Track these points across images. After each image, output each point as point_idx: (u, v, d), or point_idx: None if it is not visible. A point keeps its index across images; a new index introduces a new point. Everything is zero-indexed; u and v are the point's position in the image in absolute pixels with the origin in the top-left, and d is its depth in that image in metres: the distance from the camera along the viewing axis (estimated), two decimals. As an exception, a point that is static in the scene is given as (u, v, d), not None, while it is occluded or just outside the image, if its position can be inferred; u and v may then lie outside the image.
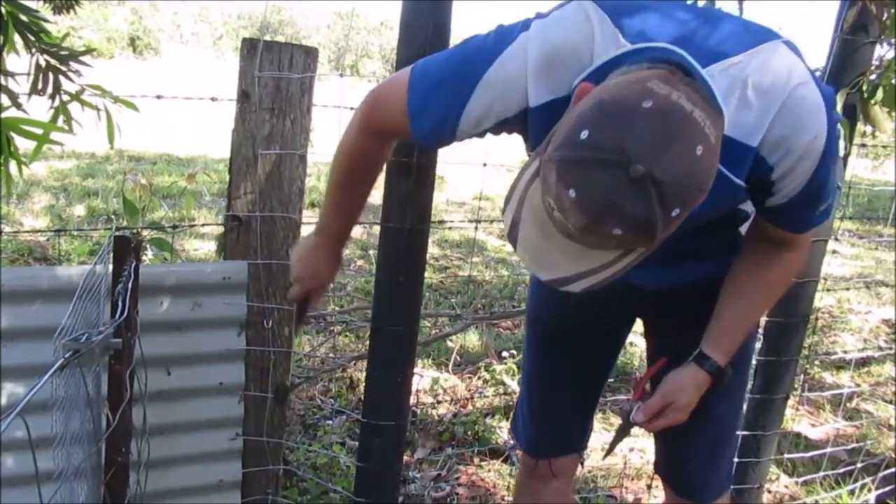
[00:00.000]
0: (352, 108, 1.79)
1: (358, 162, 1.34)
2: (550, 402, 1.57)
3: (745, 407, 1.61)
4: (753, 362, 2.02)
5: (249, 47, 1.53)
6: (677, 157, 0.83)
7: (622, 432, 1.37)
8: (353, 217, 1.44)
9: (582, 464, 1.70)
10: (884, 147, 2.66)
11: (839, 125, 1.13)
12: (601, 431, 2.73)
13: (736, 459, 2.09)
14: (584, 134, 0.84)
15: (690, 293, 1.34)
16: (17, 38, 1.22)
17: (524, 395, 1.63)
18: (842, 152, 1.81)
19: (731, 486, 2.09)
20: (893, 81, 1.73)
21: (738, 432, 1.64)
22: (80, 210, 5.51)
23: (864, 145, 2.52)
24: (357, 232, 5.61)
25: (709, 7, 1.18)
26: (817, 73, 1.88)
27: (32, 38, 1.21)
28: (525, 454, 1.65)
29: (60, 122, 1.28)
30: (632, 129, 0.83)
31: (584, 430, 1.63)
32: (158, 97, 1.68)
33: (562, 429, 1.59)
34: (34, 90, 1.24)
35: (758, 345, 2.04)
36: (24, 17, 1.19)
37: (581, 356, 1.51)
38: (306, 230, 1.59)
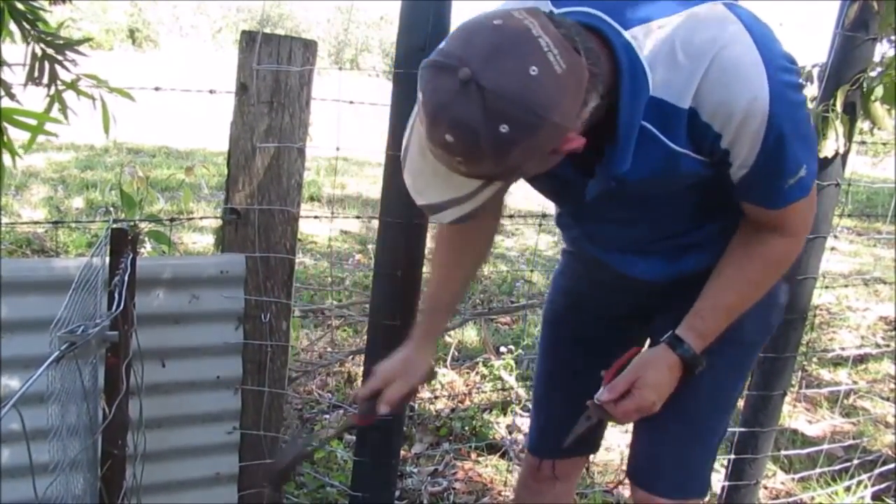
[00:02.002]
0: (351, 102, 1.79)
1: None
2: (557, 401, 1.53)
3: (733, 414, 1.46)
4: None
5: (248, 40, 1.52)
6: (506, 70, 0.88)
7: (587, 419, 1.31)
8: (445, 298, 1.41)
9: (588, 470, 1.63)
10: (883, 144, 2.66)
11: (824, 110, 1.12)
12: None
13: (732, 456, 2.09)
14: (443, 44, 0.93)
15: (696, 285, 1.28)
16: (13, 26, 1.22)
17: (533, 396, 1.62)
18: (841, 149, 1.80)
19: (727, 484, 2.10)
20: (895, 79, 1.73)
21: (731, 431, 1.54)
22: (78, 202, 5.50)
23: (863, 142, 2.52)
24: (356, 226, 5.61)
25: None
26: (816, 69, 1.89)
27: (29, 27, 1.20)
28: (529, 453, 1.62)
29: (55, 111, 1.27)
30: (474, 40, 0.90)
31: (591, 435, 1.53)
32: (157, 89, 1.67)
33: (566, 430, 1.51)
34: (30, 79, 1.23)
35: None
36: (20, 6, 1.18)
37: (591, 359, 1.45)
38: (304, 224, 1.59)
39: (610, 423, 1.49)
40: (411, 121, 1.04)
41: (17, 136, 1.27)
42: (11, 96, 1.21)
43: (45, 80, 1.26)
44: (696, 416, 1.35)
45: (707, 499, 1.50)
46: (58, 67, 1.26)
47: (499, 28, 0.90)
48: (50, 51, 1.25)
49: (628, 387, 1.24)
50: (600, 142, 1.05)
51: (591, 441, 1.58)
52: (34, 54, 1.24)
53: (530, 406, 1.63)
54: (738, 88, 1.00)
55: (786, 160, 1.06)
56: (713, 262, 1.26)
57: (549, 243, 5.80)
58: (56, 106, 1.29)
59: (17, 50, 1.27)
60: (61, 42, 1.25)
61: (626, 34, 1.00)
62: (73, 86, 1.29)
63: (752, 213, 1.19)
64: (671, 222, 1.26)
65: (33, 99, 1.28)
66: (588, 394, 1.33)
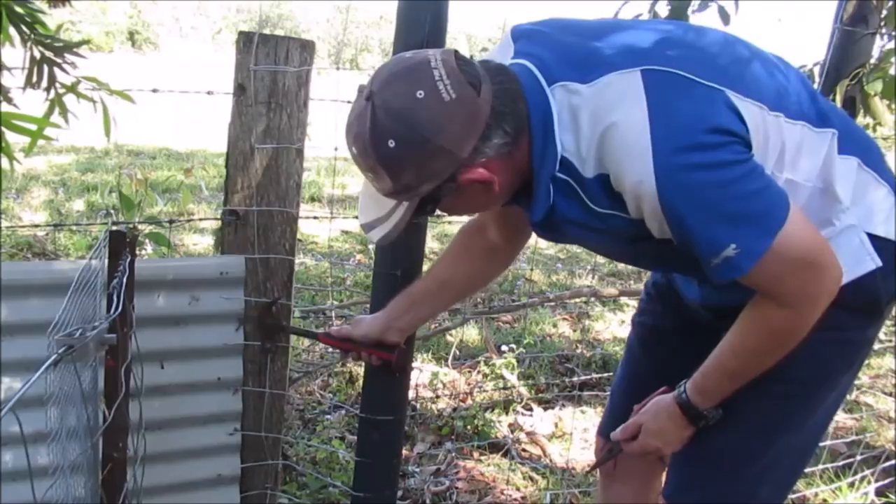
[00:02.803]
0: (349, 102, 1.79)
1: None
2: (623, 390, 1.58)
3: (797, 449, 1.31)
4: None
5: (246, 40, 1.52)
6: (397, 91, 0.99)
7: (609, 452, 1.39)
8: (418, 288, 1.50)
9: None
10: (884, 139, 2.65)
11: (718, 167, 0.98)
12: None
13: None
14: None
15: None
16: (11, 30, 1.21)
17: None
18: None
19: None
20: (891, 72, 1.72)
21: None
22: (79, 205, 5.50)
23: (864, 138, 2.51)
24: (356, 226, 5.60)
25: (615, 22, 1.18)
26: (816, 67, 1.88)
27: (27, 30, 1.20)
28: (597, 434, 1.64)
29: (56, 114, 1.27)
30: (385, 68, 1.04)
31: None
32: (154, 91, 1.67)
33: (626, 410, 1.47)
34: (29, 82, 1.23)
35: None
36: (18, 9, 1.17)
37: (659, 356, 1.50)
38: (305, 224, 1.59)
39: None
40: None
41: (16, 139, 1.27)
42: (9, 101, 1.21)
43: (45, 83, 1.26)
44: (725, 443, 1.27)
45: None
46: (57, 70, 1.26)
47: (406, 59, 1.03)
48: (49, 54, 1.25)
49: (637, 431, 1.29)
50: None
51: None
52: (33, 57, 1.24)
53: (528, 407, 1.65)
54: (624, 169, 1.01)
55: (698, 241, 1.02)
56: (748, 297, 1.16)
57: (549, 242, 5.79)
58: (56, 110, 1.28)
59: (15, 53, 1.27)
60: (60, 45, 1.24)
61: (548, 90, 1.05)
62: (72, 89, 1.29)
63: None
64: (670, 264, 1.24)
65: (33, 102, 1.27)
66: (658, 384, 1.35)
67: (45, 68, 1.26)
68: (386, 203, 1.09)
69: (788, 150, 1.09)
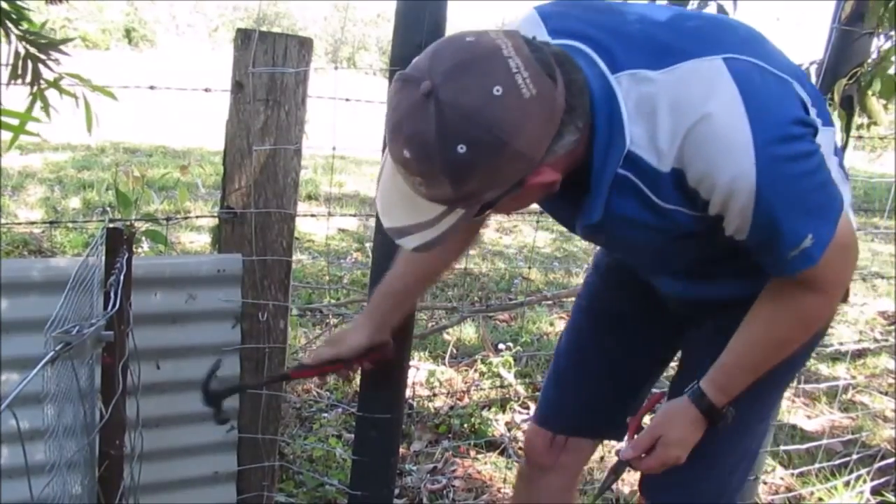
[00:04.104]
0: (347, 100, 1.78)
1: None
2: (580, 376, 1.50)
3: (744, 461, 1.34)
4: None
5: (244, 38, 1.51)
6: (468, 86, 0.84)
7: (614, 473, 1.32)
8: (397, 285, 1.42)
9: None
10: (881, 139, 2.66)
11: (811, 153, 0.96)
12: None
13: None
14: (416, 59, 0.90)
15: (723, 308, 1.22)
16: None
17: (553, 369, 1.55)
18: (839, 143, 1.79)
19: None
20: (891, 71, 1.72)
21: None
22: (75, 202, 5.49)
23: (860, 137, 2.51)
24: (353, 224, 5.60)
25: (674, 9, 1.09)
26: (814, 66, 1.88)
27: (12, 26, 1.20)
28: (539, 426, 1.55)
29: (38, 109, 1.27)
30: (442, 54, 0.87)
31: (602, 419, 1.50)
32: (151, 88, 1.67)
33: (579, 402, 1.46)
34: (13, 78, 1.23)
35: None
36: (5, 5, 1.17)
37: (621, 338, 1.44)
38: (302, 222, 1.59)
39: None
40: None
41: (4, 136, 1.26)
42: (-9, 96, 1.21)
43: (28, 78, 1.26)
44: (712, 437, 1.26)
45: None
46: (41, 66, 1.26)
47: (469, 45, 0.87)
48: (33, 50, 1.25)
49: (652, 444, 1.23)
50: (586, 178, 1.01)
51: (601, 428, 1.52)
52: (17, 53, 1.24)
53: (525, 405, 1.63)
54: (719, 164, 0.93)
55: (782, 235, 0.98)
56: (736, 293, 1.19)
57: (547, 240, 5.80)
58: (38, 104, 1.28)
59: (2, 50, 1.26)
60: (45, 41, 1.24)
61: (612, 78, 0.95)
62: (55, 84, 1.28)
63: None
64: (683, 261, 1.20)
65: (15, 102, 1.27)
66: (610, 374, 1.33)
67: (30, 64, 1.26)
68: (429, 207, 0.95)
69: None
